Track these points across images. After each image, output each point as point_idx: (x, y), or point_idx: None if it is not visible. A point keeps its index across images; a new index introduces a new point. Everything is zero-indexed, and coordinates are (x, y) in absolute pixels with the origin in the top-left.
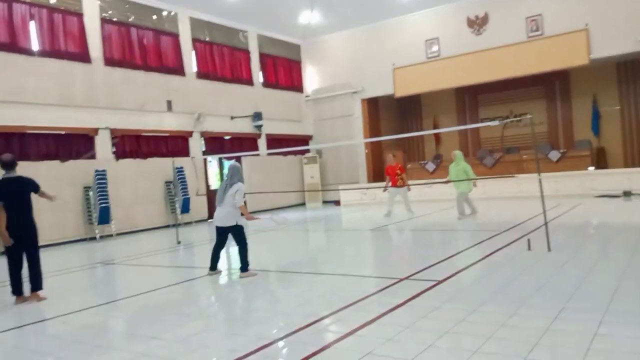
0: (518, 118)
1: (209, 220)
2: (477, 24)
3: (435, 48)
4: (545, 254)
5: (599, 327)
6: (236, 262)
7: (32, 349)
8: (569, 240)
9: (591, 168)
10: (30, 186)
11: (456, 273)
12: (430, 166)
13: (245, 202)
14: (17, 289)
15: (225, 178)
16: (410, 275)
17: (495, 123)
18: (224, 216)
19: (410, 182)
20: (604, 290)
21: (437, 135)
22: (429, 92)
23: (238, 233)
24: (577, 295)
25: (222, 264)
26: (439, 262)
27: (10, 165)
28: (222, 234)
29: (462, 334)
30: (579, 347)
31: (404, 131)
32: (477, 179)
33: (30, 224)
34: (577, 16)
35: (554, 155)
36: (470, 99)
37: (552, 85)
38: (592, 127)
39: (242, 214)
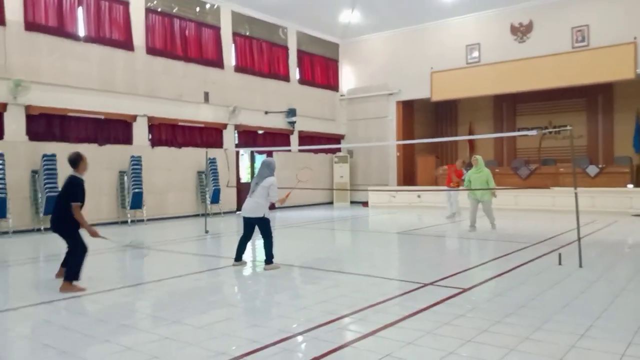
0: (557, 129)
1: (237, 212)
2: (521, 31)
3: (475, 54)
4: (576, 270)
5: (627, 348)
6: (261, 255)
7: (61, 324)
8: (602, 258)
9: (630, 185)
10: (65, 191)
11: (482, 282)
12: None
13: None
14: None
15: (258, 172)
16: (435, 281)
17: (534, 133)
18: (253, 207)
19: (435, 187)
20: (635, 310)
21: (471, 142)
22: (466, 98)
23: (264, 225)
24: (607, 314)
25: (247, 256)
26: (465, 270)
27: (70, 163)
28: (249, 225)
29: (484, 344)
30: None
31: (438, 136)
32: (498, 188)
33: (57, 222)
34: (625, 28)
35: (592, 170)
36: (509, 107)
37: (595, 98)
38: (634, 143)
39: (274, 204)
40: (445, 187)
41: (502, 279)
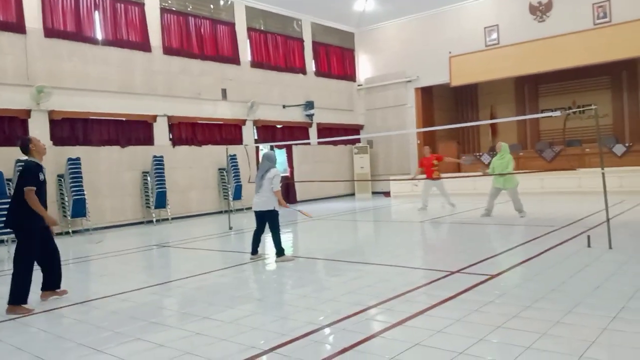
0: (581, 109)
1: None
2: (540, 10)
3: (494, 36)
4: (606, 252)
5: None
6: (288, 248)
7: (94, 323)
8: (632, 239)
9: None
10: (20, 174)
11: (510, 268)
12: (486, 158)
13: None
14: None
15: (260, 166)
16: (462, 269)
17: (557, 114)
18: (263, 202)
19: (462, 174)
20: None
21: (493, 126)
22: (486, 82)
23: (273, 218)
24: (639, 294)
25: (271, 250)
26: (492, 257)
27: (21, 150)
28: (260, 219)
29: (514, 330)
30: (639, 348)
31: (459, 121)
32: (514, 173)
33: (9, 215)
34: None
35: (619, 149)
36: (530, 88)
37: (619, 76)
38: None
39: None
40: (427, 179)
41: (531, 263)
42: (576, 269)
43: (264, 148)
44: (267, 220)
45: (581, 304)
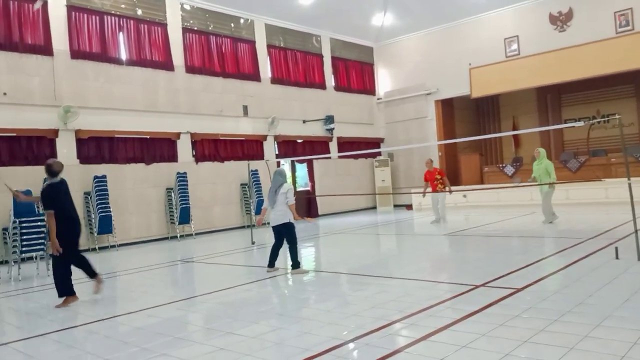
0: (605, 118)
1: (266, 224)
2: (561, 20)
3: (514, 46)
4: (634, 264)
5: None
6: (310, 263)
7: (121, 339)
8: None
9: None
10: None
11: (537, 281)
12: (509, 169)
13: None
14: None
15: (272, 183)
16: (487, 282)
17: (581, 124)
18: (278, 216)
19: (481, 186)
20: None
21: (516, 137)
22: (507, 92)
23: (289, 231)
24: None
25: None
26: (518, 270)
27: (57, 173)
28: (278, 233)
29: (541, 344)
30: None
31: (480, 133)
32: (557, 183)
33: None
34: None
35: None
36: (553, 98)
37: None
38: None
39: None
40: (433, 192)
41: (558, 276)
42: (604, 281)
43: (285, 163)
44: (284, 233)
45: (610, 317)
